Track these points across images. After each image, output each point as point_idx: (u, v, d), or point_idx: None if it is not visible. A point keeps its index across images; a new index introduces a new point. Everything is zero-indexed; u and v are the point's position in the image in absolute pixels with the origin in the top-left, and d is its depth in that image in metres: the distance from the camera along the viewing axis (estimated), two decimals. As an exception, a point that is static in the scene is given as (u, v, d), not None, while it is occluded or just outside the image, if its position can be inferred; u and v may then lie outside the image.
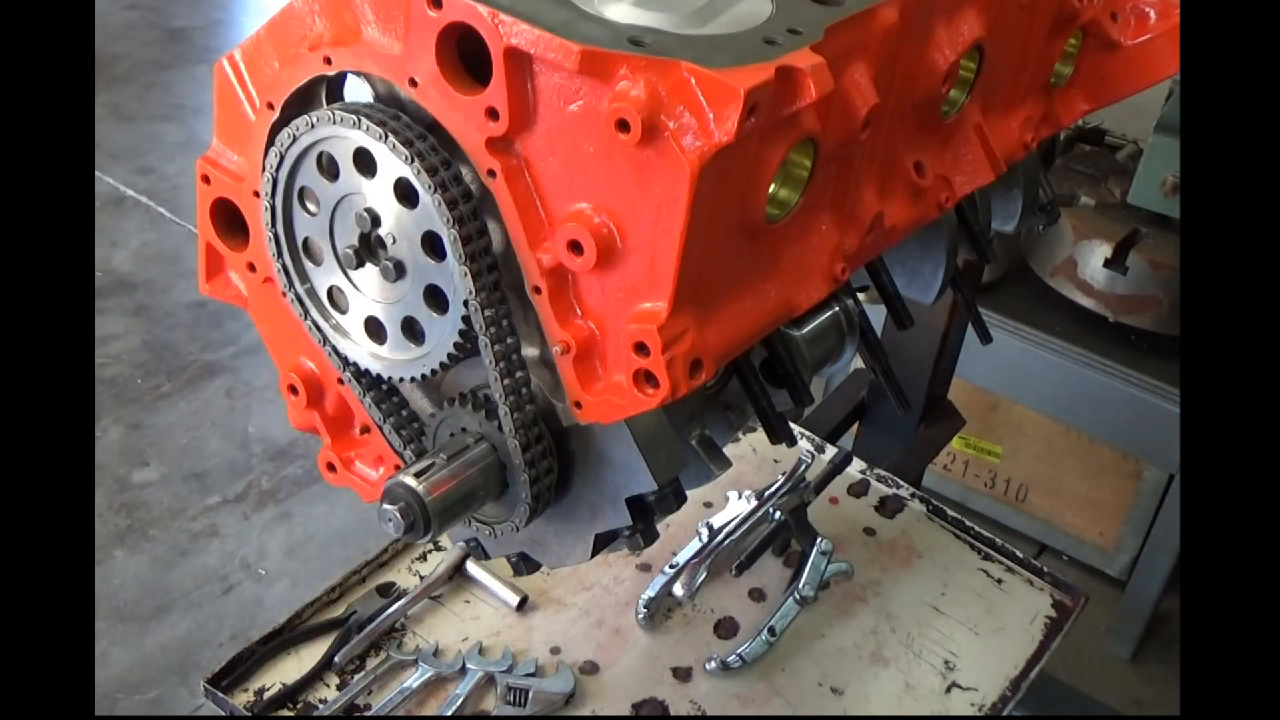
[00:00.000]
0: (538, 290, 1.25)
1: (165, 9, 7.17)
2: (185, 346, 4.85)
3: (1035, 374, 3.77)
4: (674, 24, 1.23)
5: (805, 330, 1.62)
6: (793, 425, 2.76)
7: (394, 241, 1.31)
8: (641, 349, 1.20)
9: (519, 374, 1.33)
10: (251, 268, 1.48)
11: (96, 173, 5.71)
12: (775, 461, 2.72)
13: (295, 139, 1.33)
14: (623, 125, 1.12)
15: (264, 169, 1.37)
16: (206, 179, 1.45)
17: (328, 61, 1.29)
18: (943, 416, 3.14)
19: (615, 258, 1.20)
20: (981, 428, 4.28)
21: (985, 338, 2.02)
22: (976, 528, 2.61)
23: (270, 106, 1.36)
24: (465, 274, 1.25)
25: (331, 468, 1.58)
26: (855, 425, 3.18)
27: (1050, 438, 4.19)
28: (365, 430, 1.54)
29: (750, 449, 2.75)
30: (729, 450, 1.59)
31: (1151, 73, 1.84)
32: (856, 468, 2.74)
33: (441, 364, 1.35)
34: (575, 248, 1.19)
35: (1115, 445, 4.01)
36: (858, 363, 1.82)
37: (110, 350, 4.79)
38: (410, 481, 1.32)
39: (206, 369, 4.77)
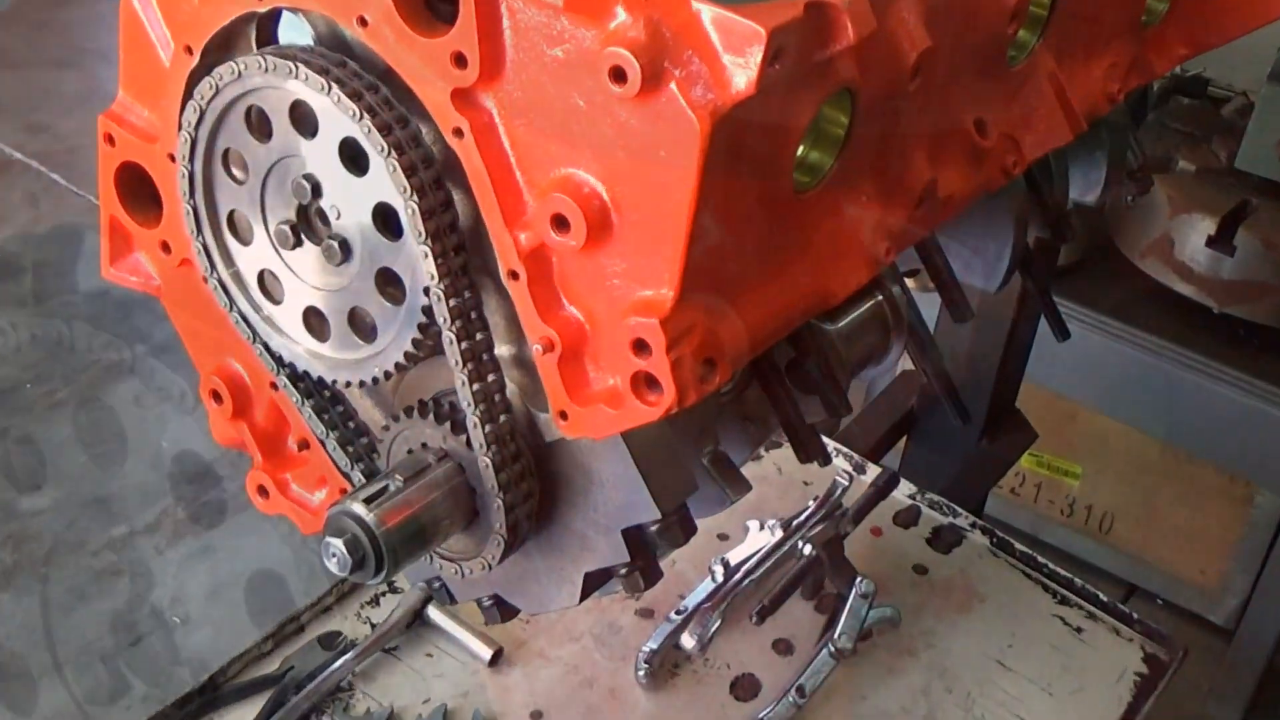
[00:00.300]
0: (514, 276, 1.25)
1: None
2: (85, 344, 4.85)
3: (1122, 377, 3.75)
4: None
5: (842, 323, 1.62)
6: (826, 440, 2.76)
7: (339, 216, 1.32)
8: (641, 347, 1.20)
9: (491, 377, 1.34)
10: (165, 248, 1.48)
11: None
12: (805, 484, 2.73)
13: (218, 90, 1.33)
14: (618, 74, 1.11)
15: (181, 127, 1.37)
16: (110, 139, 1.46)
17: (259, -5, 1.30)
18: (1010, 429, 3.14)
19: (609, 235, 1.20)
20: (1057, 443, 4.27)
21: (1062, 333, 2.02)
22: (1050, 565, 2.61)
23: (188, 51, 1.36)
24: (426, 255, 1.25)
25: (263, 492, 1.58)
26: (903, 440, 3.19)
27: (1141, 455, 4.18)
28: (304, 446, 1.54)
29: (775, 469, 2.76)
30: (749, 470, 1.59)
31: (1264, 11, 1.84)
32: (904, 492, 2.75)
33: (397, 365, 1.35)
34: (560, 223, 1.19)
35: (1221, 464, 4.00)
36: (905, 363, 1.82)
37: (-9, 348, 4.79)
38: (359, 509, 1.33)
39: (111, 371, 4.77)
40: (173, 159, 1.39)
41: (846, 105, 1.28)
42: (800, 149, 1.25)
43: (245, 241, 1.41)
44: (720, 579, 2.42)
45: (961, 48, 1.49)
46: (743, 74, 1.10)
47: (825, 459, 1.58)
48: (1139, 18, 1.82)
